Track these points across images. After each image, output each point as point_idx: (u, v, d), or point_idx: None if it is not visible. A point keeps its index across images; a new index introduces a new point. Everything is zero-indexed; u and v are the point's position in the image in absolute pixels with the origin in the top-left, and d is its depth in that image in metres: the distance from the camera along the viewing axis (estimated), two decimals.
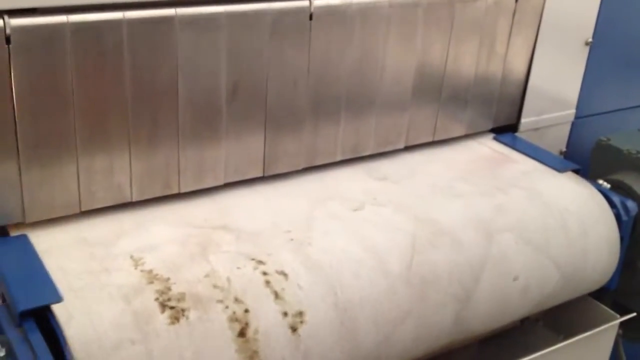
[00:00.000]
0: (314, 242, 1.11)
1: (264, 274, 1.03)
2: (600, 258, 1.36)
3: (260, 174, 1.26)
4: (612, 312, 1.41)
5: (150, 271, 0.99)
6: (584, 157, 1.59)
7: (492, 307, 1.23)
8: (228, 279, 1.00)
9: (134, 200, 1.13)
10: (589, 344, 1.37)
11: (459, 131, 1.49)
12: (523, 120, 1.57)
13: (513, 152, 1.49)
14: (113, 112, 1.06)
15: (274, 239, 1.10)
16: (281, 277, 1.03)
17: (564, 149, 1.69)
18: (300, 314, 1.01)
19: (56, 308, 0.90)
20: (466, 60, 1.42)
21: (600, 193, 1.40)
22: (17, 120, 0.99)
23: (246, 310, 0.98)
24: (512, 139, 1.54)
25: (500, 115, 1.54)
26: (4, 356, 0.88)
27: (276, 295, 1.01)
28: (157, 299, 0.95)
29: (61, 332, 0.88)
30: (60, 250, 1.03)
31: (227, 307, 0.97)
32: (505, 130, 1.57)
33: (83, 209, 1.10)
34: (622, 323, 1.42)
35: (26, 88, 0.98)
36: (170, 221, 1.13)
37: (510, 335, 1.46)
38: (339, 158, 1.34)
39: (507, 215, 1.28)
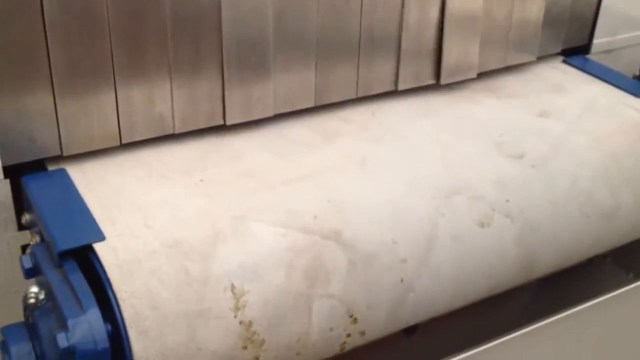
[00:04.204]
0: (417, 289, 0.99)
1: (348, 335, 0.94)
2: None
3: (311, 104, 1.16)
4: None
5: (250, 325, 0.86)
6: None
7: None
8: (314, 344, 0.91)
9: (176, 132, 1.06)
10: None
11: (530, 56, 1.36)
12: (595, 41, 1.44)
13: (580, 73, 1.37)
14: (151, 37, 0.98)
15: (386, 275, 0.97)
16: (358, 338, 0.96)
17: (637, 73, 1.55)
18: None
19: None
20: None
21: None
22: (49, 45, 0.91)
23: None
24: (583, 62, 1.42)
25: (570, 37, 1.41)
26: (43, 298, 0.83)
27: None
28: None
29: (104, 272, 0.82)
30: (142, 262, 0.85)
31: None
32: (575, 52, 1.45)
33: (124, 142, 1.03)
34: None
35: (57, 9, 0.90)
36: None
37: (574, 272, 1.37)
38: (401, 87, 1.23)
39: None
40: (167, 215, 0.92)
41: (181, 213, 0.93)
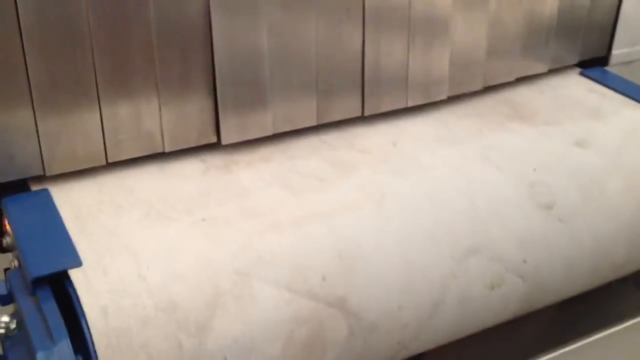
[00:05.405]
0: (412, 347, 0.94)
1: None
2: None
3: (313, 123, 1.10)
4: None
5: None
6: None
7: None
8: None
9: (166, 150, 1.01)
10: None
11: (542, 67, 1.30)
12: (614, 52, 1.37)
13: (603, 89, 1.29)
14: (136, 50, 0.92)
15: (384, 340, 0.91)
16: None
17: None
18: None
19: None
20: None
21: None
22: (27, 59, 0.86)
23: None
24: (602, 74, 1.35)
25: (588, 47, 1.35)
26: (14, 328, 0.78)
27: None
28: None
29: (78, 302, 0.77)
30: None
31: None
32: (593, 64, 1.38)
33: (110, 161, 0.98)
34: None
35: (34, 21, 0.85)
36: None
37: (593, 296, 1.30)
38: (410, 104, 1.16)
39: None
40: (163, 263, 0.83)
41: (180, 261, 0.84)
